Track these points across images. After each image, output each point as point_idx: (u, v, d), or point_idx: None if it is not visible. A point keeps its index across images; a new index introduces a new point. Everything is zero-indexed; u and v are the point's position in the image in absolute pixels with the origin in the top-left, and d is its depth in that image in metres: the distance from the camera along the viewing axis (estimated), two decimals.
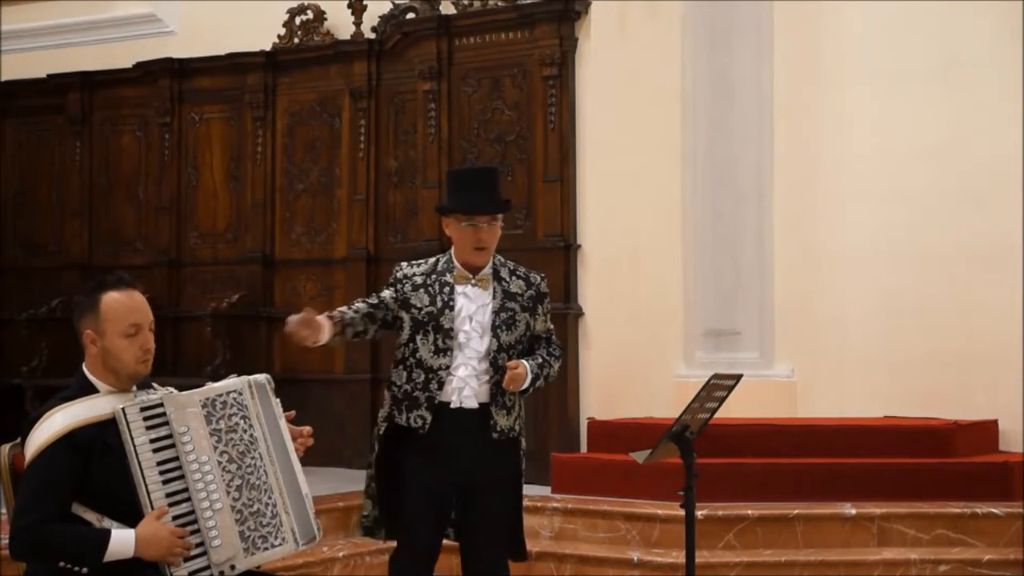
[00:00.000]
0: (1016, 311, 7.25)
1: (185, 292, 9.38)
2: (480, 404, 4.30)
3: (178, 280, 9.39)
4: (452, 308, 4.30)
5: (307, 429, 3.67)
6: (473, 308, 4.32)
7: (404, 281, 4.38)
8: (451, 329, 4.28)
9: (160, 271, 9.32)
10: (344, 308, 4.41)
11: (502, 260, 4.46)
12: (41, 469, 3.25)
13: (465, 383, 4.29)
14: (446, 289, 4.34)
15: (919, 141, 7.55)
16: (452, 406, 4.28)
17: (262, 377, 3.58)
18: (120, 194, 9.76)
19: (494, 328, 4.31)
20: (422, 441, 4.28)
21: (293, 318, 4.20)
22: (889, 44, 7.65)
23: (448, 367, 4.27)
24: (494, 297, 4.35)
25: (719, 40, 7.83)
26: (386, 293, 4.41)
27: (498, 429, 4.31)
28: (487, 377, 4.30)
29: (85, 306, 3.42)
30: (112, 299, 3.39)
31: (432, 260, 4.46)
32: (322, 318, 4.25)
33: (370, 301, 4.41)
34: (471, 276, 4.36)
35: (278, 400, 3.60)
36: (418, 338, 4.30)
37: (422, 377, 4.28)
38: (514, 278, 4.43)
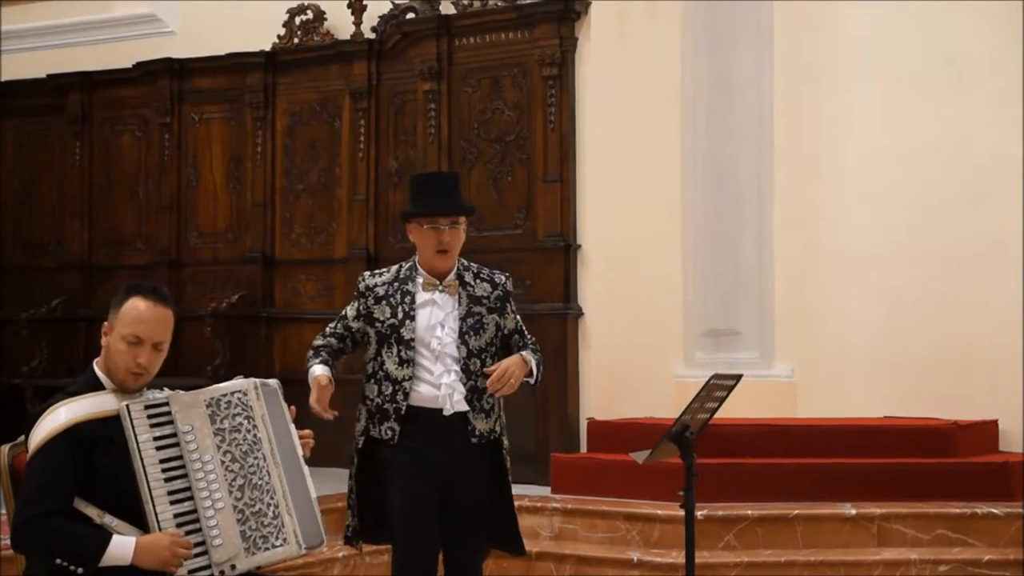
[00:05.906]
0: (1016, 311, 7.25)
1: (185, 292, 9.36)
2: (459, 410, 4.34)
3: (178, 280, 9.38)
4: (413, 318, 4.34)
5: (307, 432, 3.67)
6: (442, 315, 4.36)
7: (367, 294, 4.42)
8: (412, 340, 4.32)
9: (160, 271, 9.30)
10: (322, 353, 4.40)
11: (465, 264, 4.49)
12: (44, 462, 3.27)
13: (454, 388, 4.33)
14: (407, 299, 4.38)
15: (919, 141, 7.54)
16: (445, 413, 4.31)
17: (273, 382, 3.59)
18: (120, 194, 9.75)
19: (462, 334, 4.35)
20: (405, 447, 4.31)
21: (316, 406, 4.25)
22: (889, 44, 7.65)
23: (411, 377, 4.30)
24: (460, 303, 4.39)
25: (719, 40, 7.83)
26: (349, 312, 4.46)
27: (476, 433, 4.36)
28: (463, 383, 4.34)
29: (116, 301, 3.46)
30: (135, 303, 3.42)
31: (394, 268, 4.49)
32: (323, 384, 4.27)
33: (337, 333, 4.45)
34: (438, 283, 4.39)
35: (290, 407, 3.61)
36: (383, 351, 4.36)
37: (389, 389, 4.33)
38: (479, 281, 4.46)
